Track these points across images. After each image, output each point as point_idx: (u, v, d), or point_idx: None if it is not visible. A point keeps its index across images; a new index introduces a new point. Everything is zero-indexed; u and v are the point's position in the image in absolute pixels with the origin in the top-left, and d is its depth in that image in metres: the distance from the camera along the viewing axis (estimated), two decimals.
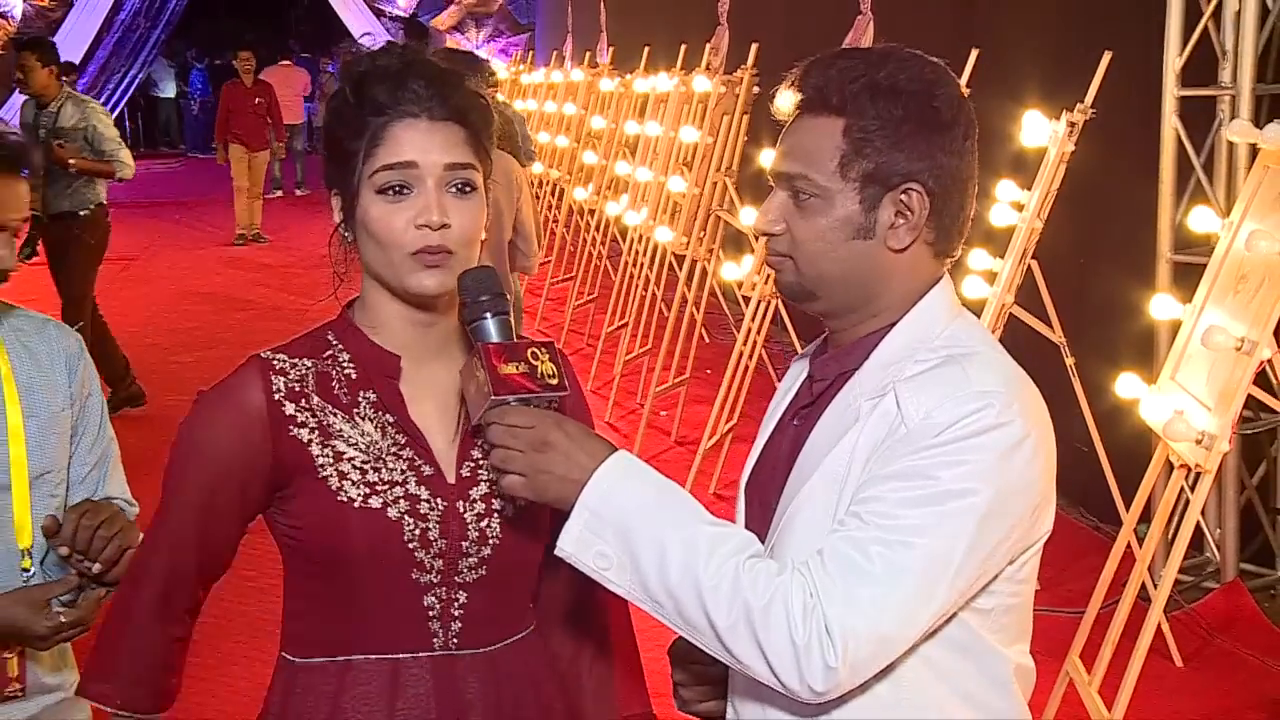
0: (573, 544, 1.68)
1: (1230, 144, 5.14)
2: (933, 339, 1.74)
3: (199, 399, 1.89)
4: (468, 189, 1.83)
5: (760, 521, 1.81)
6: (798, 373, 1.93)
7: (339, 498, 1.81)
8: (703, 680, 1.94)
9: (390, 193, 1.80)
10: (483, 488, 1.87)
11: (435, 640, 1.86)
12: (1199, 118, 5.27)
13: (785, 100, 1.80)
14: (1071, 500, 5.70)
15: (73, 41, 19.98)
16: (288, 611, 1.91)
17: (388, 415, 1.86)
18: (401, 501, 1.82)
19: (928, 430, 1.63)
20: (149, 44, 25.84)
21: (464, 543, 1.85)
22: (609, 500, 1.67)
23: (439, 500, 1.84)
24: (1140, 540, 4.42)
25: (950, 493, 1.62)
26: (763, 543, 1.73)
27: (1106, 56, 4.75)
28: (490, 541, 1.86)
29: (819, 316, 1.84)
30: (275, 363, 1.86)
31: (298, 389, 1.85)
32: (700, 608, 1.62)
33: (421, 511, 1.83)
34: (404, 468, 1.84)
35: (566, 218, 11.44)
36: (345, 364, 1.88)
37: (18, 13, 20.51)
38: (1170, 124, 5.25)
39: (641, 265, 8.86)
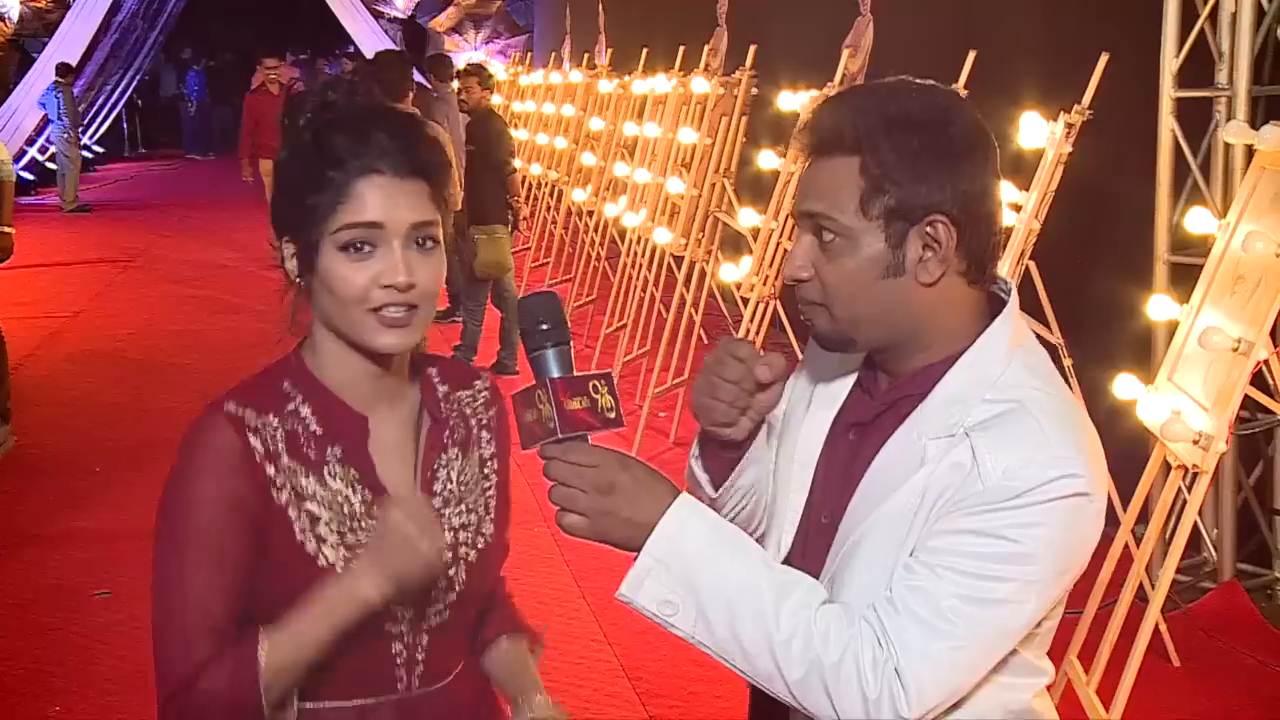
0: (634, 589, 1.68)
1: (1227, 145, 5.14)
2: (996, 377, 1.71)
3: (175, 469, 1.83)
4: (430, 243, 1.80)
5: (818, 533, 1.82)
6: (840, 368, 1.90)
7: (319, 563, 1.79)
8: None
9: (353, 249, 1.76)
10: (449, 536, 1.87)
11: (400, 684, 1.88)
12: (1196, 119, 5.27)
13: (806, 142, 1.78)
14: None
15: (70, 43, 19.98)
16: None
17: (354, 471, 1.83)
18: None
19: (1006, 491, 1.63)
20: (146, 45, 25.88)
21: (433, 591, 1.86)
22: (676, 548, 1.67)
23: None
24: (1138, 540, 4.42)
25: (1026, 555, 1.63)
26: (815, 555, 1.77)
27: (1103, 58, 4.75)
28: (456, 586, 1.88)
29: (862, 352, 1.83)
30: (247, 420, 1.81)
31: (271, 450, 1.80)
32: (771, 660, 1.64)
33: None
34: (370, 515, 1.82)
35: (565, 219, 11.44)
36: (308, 418, 1.83)
37: (15, 14, 20.49)
38: (1167, 125, 5.25)
39: (640, 266, 8.87)
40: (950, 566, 1.63)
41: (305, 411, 1.83)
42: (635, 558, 1.68)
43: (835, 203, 1.71)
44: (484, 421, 1.98)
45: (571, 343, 1.74)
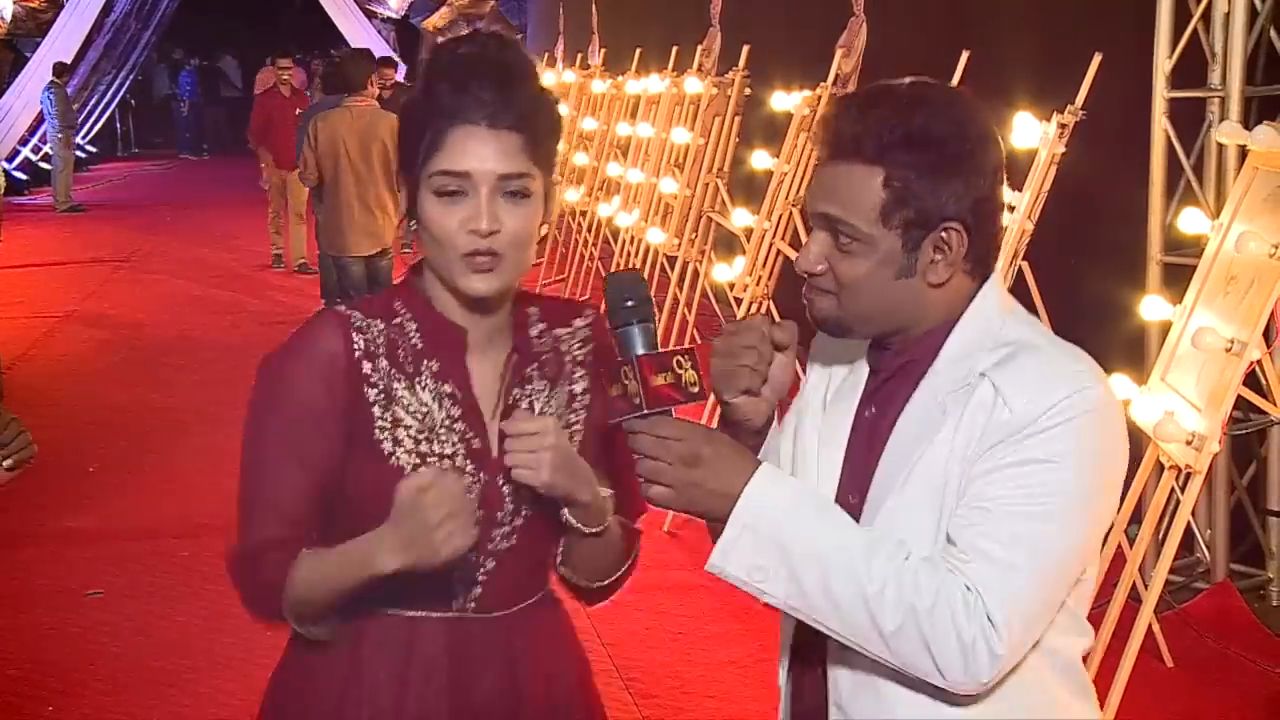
0: (724, 559, 1.73)
1: (1220, 146, 5.14)
2: (996, 331, 1.81)
3: (277, 352, 1.94)
4: (521, 195, 1.88)
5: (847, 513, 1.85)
6: (846, 358, 1.95)
7: (391, 462, 1.89)
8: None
9: (445, 195, 1.86)
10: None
11: (454, 603, 1.94)
12: (1189, 119, 5.27)
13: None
14: None
15: (63, 43, 19.94)
16: None
17: (445, 386, 1.93)
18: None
19: (1031, 415, 1.71)
20: (139, 45, 25.83)
21: (499, 513, 1.93)
22: (763, 515, 1.71)
23: (482, 474, 1.92)
24: (1131, 541, 4.43)
25: (1065, 473, 1.70)
26: None
27: (1096, 58, 4.75)
28: (523, 513, 1.94)
29: (852, 339, 1.91)
30: (354, 320, 1.92)
31: (373, 349, 1.91)
32: (866, 613, 1.68)
33: (467, 485, 1.87)
34: (455, 440, 1.92)
35: (558, 219, 11.44)
36: (412, 332, 1.94)
37: (8, 14, 20.45)
38: (1160, 126, 5.25)
39: (633, 267, 8.86)
40: (1001, 504, 1.70)
41: (410, 326, 1.94)
42: (720, 530, 1.72)
43: (856, 210, 1.78)
44: (578, 358, 2.03)
45: (655, 319, 1.80)
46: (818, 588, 1.70)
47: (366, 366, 1.90)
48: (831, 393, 1.95)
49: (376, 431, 1.90)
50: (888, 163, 1.76)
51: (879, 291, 1.80)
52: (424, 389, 1.92)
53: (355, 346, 1.90)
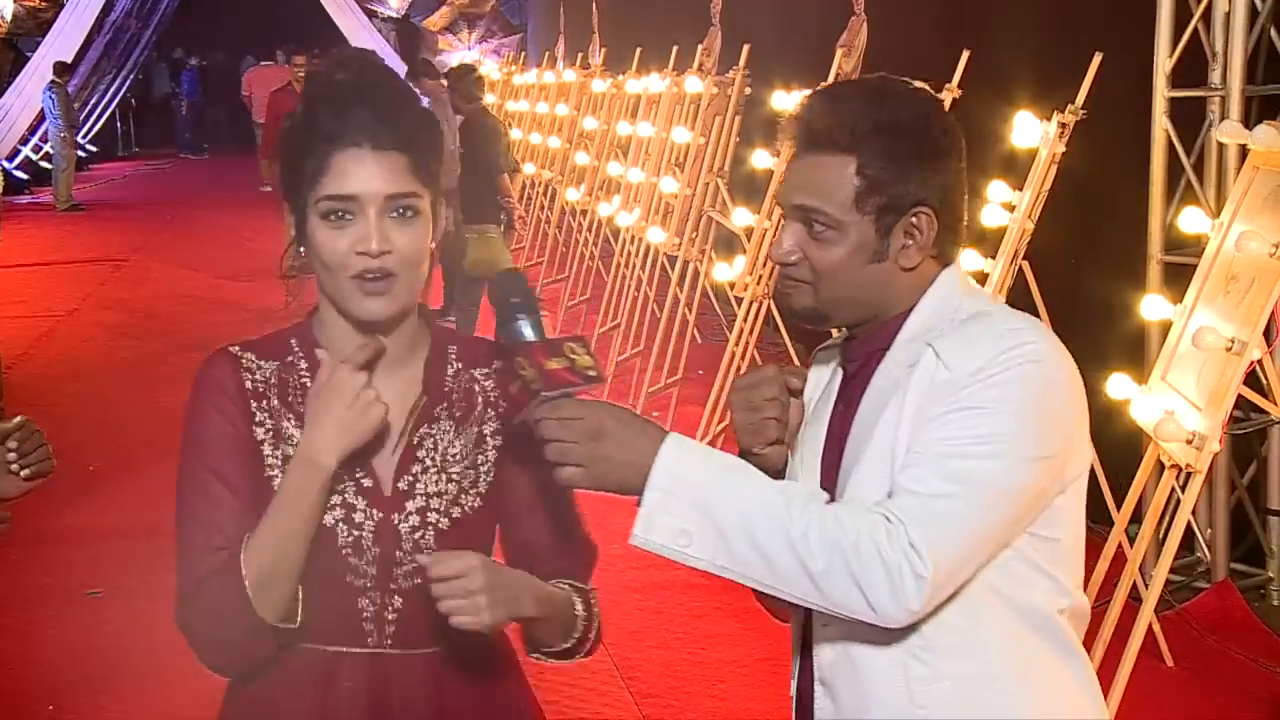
0: (647, 527, 1.74)
1: (1220, 145, 5.14)
2: (952, 310, 1.87)
3: (187, 403, 1.95)
4: (409, 213, 1.87)
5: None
6: (829, 366, 2.02)
7: None
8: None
9: (333, 218, 1.86)
10: (419, 501, 1.93)
11: (370, 639, 1.93)
12: (1189, 119, 5.28)
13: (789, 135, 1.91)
14: None
15: (64, 42, 19.91)
16: None
17: None
18: (337, 509, 1.89)
19: (968, 369, 1.77)
20: (140, 44, 25.82)
21: (397, 552, 1.91)
22: (679, 479, 1.73)
23: (374, 511, 1.91)
24: (1131, 540, 4.43)
25: (999, 417, 1.74)
26: None
27: (1097, 58, 4.76)
28: (425, 551, 1.90)
29: (826, 329, 1.99)
30: (244, 360, 1.95)
31: (261, 389, 1.93)
32: (793, 556, 1.70)
33: (356, 520, 1.90)
34: (344, 477, 1.89)
35: (559, 218, 11.44)
36: (303, 371, 1.95)
37: (8, 13, 20.45)
38: (1160, 125, 5.26)
39: (634, 266, 8.87)
40: (932, 446, 1.75)
41: (302, 365, 1.95)
42: (639, 501, 1.74)
43: (830, 198, 1.85)
44: (491, 400, 2.00)
45: (542, 314, 1.83)
46: (743, 541, 1.71)
47: (253, 405, 1.92)
48: (816, 399, 2.01)
49: (268, 470, 1.90)
50: (860, 151, 1.83)
51: (853, 277, 1.86)
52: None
53: (246, 387, 1.93)
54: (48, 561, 5.77)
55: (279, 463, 1.90)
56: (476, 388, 2.01)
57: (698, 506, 1.72)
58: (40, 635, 5.09)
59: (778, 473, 1.91)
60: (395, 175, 1.86)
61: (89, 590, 5.48)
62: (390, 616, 1.92)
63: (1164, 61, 5.23)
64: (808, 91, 1.97)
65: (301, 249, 1.91)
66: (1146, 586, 4.27)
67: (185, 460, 1.93)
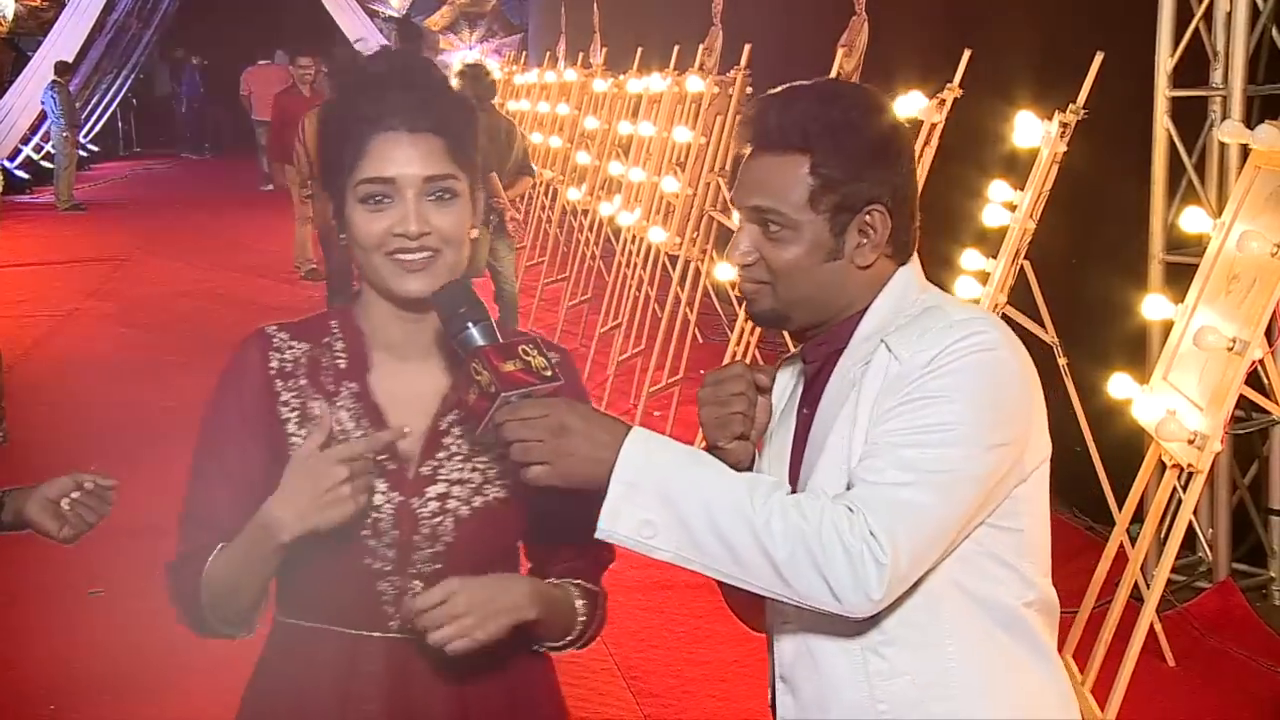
0: (612, 519, 1.74)
1: (1222, 145, 5.14)
2: (908, 306, 1.90)
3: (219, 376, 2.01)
4: (447, 195, 1.90)
5: None
6: (793, 371, 2.05)
7: None
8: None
9: (371, 202, 1.89)
10: (440, 487, 1.93)
11: (391, 624, 1.93)
12: (1190, 118, 5.28)
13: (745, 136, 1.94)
14: (1064, 500, 5.71)
15: (65, 41, 19.90)
16: (278, 573, 1.97)
17: (363, 407, 1.95)
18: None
19: (920, 361, 1.79)
20: (141, 44, 25.81)
21: (415, 536, 1.92)
22: (643, 471, 1.74)
23: (395, 494, 1.92)
24: (1133, 540, 4.42)
25: (952, 405, 1.76)
26: None
27: (1098, 57, 4.74)
28: (443, 539, 1.92)
29: (791, 334, 2.00)
30: (275, 340, 1.98)
31: (289, 369, 1.96)
32: (757, 546, 1.70)
33: (376, 503, 1.90)
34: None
35: (560, 218, 11.43)
36: (338, 352, 1.98)
37: (10, 12, 20.45)
38: (1162, 125, 5.26)
39: (635, 265, 8.86)
40: (887, 437, 1.77)
41: (338, 346, 1.98)
42: (604, 494, 1.75)
43: (784, 198, 1.87)
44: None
45: (491, 319, 1.84)
46: (707, 531, 1.72)
47: (278, 385, 1.94)
48: (783, 403, 2.03)
49: (290, 448, 1.91)
50: (813, 151, 1.86)
51: (810, 276, 1.89)
52: (342, 408, 1.94)
53: (270, 367, 1.96)
54: (49, 561, 5.75)
55: (301, 441, 1.90)
56: None
57: (661, 497, 1.73)
58: (41, 634, 5.09)
59: (744, 470, 1.91)
60: (432, 157, 1.88)
61: (90, 590, 5.47)
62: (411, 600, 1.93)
63: (1165, 61, 5.23)
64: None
65: (343, 236, 1.93)
66: (1148, 586, 4.26)
67: (199, 438, 1.99)
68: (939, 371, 1.77)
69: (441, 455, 1.94)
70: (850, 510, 1.71)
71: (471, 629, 1.80)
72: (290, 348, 1.97)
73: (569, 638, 2.01)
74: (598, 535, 1.75)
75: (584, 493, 1.78)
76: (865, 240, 1.89)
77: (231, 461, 1.94)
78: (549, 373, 1.78)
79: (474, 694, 1.96)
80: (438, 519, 1.92)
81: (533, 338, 1.84)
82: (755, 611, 1.99)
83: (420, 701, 1.93)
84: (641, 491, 1.73)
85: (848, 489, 1.78)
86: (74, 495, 2.35)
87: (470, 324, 1.81)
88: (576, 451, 1.74)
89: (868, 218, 1.88)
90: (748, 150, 1.92)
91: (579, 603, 2.00)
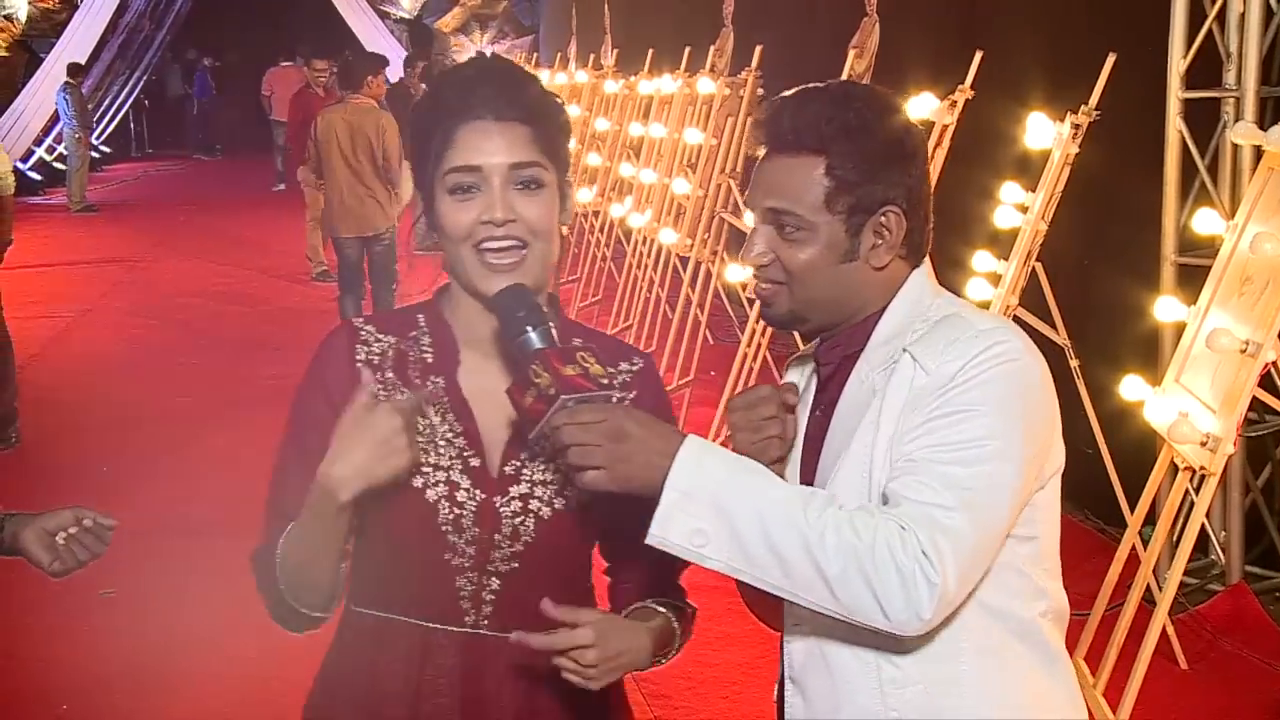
0: (664, 526, 1.74)
1: (1235, 146, 5.13)
2: (924, 311, 1.90)
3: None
4: (534, 185, 1.91)
5: None
6: (805, 371, 2.05)
7: None
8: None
9: (459, 192, 1.90)
10: (523, 487, 1.94)
11: (466, 619, 1.94)
12: (1203, 120, 5.26)
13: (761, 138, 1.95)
14: (1076, 503, 5.70)
15: (78, 43, 19.96)
16: (352, 563, 1.99)
17: (450, 402, 1.95)
18: (441, 486, 1.91)
19: (948, 373, 1.79)
20: (153, 45, 25.87)
21: (496, 535, 1.92)
22: (698, 479, 1.74)
23: (478, 491, 1.92)
24: (1145, 543, 4.41)
25: (984, 418, 1.77)
26: None
27: (1111, 58, 4.74)
28: (523, 539, 1.93)
29: (806, 335, 2.00)
30: (362, 333, 1.99)
31: (376, 362, 1.97)
32: (809, 560, 1.70)
33: (459, 499, 1.91)
34: (452, 455, 1.93)
35: (570, 220, 11.42)
36: (425, 347, 1.99)
37: (23, 14, 20.50)
38: (1175, 126, 5.24)
39: (646, 267, 8.86)
40: (926, 454, 1.76)
41: (425, 341, 1.99)
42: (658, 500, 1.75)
43: (799, 200, 1.88)
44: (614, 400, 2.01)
45: (550, 324, 1.84)
46: (759, 543, 1.71)
47: (365, 377, 1.92)
48: (799, 414, 2.02)
49: None
50: (829, 152, 1.86)
51: (826, 277, 1.89)
52: (428, 403, 1.94)
53: (357, 359, 1.96)
54: None
55: None
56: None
57: (715, 507, 1.73)
58: (53, 635, 5.09)
59: None
60: (518, 145, 1.89)
61: (102, 590, 5.48)
62: (488, 598, 1.93)
63: (1178, 62, 5.21)
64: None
65: (435, 234, 1.95)
66: (1160, 589, 4.24)
67: (285, 430, 2.01)
68: (969, 383, 1.78)
69: (524, 455, 1.95)
70: (902, 529, 1.71)
71: (592, 679, 1.82)
72: (378, 340, 1.98)
73: (663, 656, 2.01)
74: (649, 541, 1.75)
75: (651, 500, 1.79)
76: (880, 241, 1.89)
77: (316, 454, 1.90)
78: (604, 380, 1.78)
79: (544, 691, 1.96)
80: (519, 518, 1.93)
81: (589, 345, 1.84)
82: (774, 612, 1.98)
83: (492, 695, 1.94)
84: (695, 500, 1.73)
85: (885, 501, 1.78)
86: (71, 530, 2.36)
87: (529, 327, 1.81)
88: (632, 457, 1.74)
89: (883, 219, 1.89)
90: (762, 152, 1.93)
91: (674, 621, 2.01)
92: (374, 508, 1.88)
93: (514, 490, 1.93)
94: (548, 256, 1.93)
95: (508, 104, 1.89)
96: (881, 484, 1.80)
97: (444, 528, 1.90)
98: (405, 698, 1.94)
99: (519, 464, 1.94)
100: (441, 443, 1.93)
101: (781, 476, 1.93)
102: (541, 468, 1.95)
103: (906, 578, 1.68)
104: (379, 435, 1.80)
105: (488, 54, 2.03)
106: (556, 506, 1.94)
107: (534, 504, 1.93)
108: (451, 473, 1.92)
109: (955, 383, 1.78)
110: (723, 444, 1.92)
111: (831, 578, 1.69)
